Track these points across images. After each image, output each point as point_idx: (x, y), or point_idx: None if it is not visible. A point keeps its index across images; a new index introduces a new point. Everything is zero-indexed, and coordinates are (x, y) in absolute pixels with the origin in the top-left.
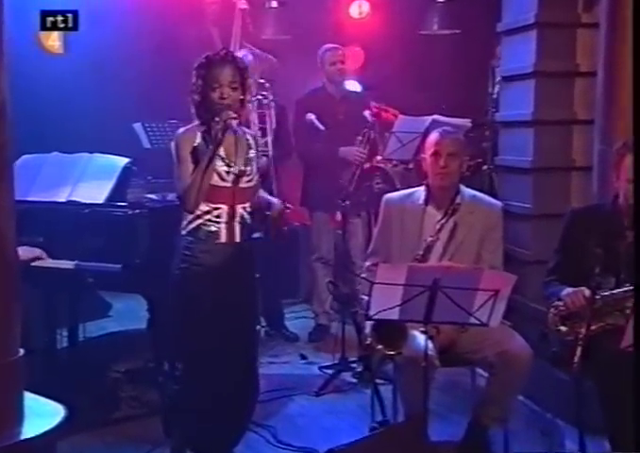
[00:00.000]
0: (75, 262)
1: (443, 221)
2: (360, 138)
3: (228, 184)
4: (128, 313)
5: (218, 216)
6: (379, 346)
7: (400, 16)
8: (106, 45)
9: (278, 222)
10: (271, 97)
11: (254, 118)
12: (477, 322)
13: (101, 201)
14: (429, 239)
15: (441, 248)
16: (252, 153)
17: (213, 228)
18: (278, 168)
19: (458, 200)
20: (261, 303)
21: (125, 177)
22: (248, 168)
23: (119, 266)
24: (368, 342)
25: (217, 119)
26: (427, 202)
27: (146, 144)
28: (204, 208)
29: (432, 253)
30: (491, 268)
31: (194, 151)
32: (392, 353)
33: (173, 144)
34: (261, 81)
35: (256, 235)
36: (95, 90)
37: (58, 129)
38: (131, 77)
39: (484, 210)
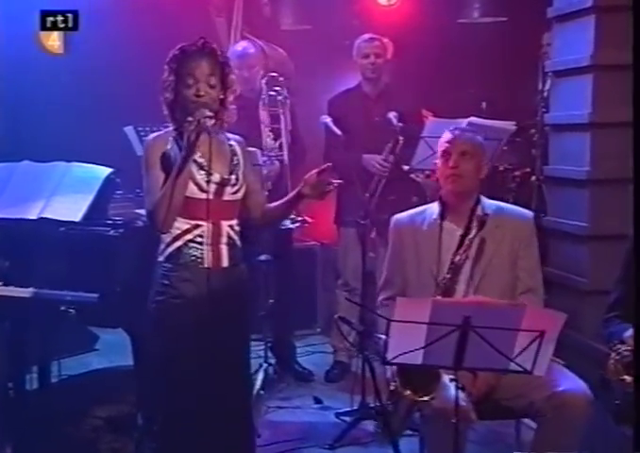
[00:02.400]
0: (34, 290)
1: (470, 236)
2: (389, 145)
3: (209, 196)
4: (118, 347)
5: (200, 236)
6: (407, 392)
7: (435, 2)
8: (106, 45)
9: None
10: (285, 93)
11: (265, 117)
12: (518, 369)
13: (78, 219)
14: (457, 258)
15: (468, 269)
16: (237, 160)
17: (195, 251)
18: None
19: (479, 212)
20: (271, 335)
21: (106, 191)
22: (233, 177)
23: (96, 296)
24: (393, 387)
25: (190, 119)
26: (442, 216)
27: (140, 151)
28: (182, 226)
29: (462, 274)
30: (529, 291)
31: (164, 157)
32: (424, 399)
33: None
34: (274, 75)
35: (263, 257)
36: (94, 91)
37: (49, 134)
38: (132, 77)
39: (513, 223)
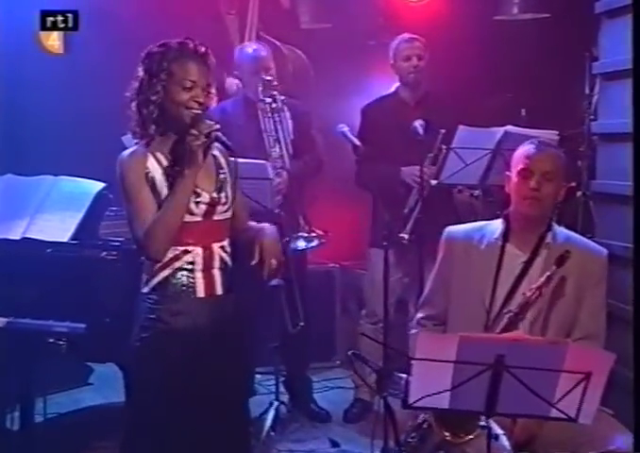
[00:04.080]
0: (8, 320)
1: (549, 272)
2: (430, 155)
3: (199, 218)
4: (114, 381)
5: (191, 262)
6: (447, 434)
7: None
8: (106, 45)
9: (270, 256)
10: (282, 98)
11: (266, 125)
12: (561, 415)
13: (65, 239)
14: (529, 294)
15: (538, 307)
16: (224, 174)
17: (186, 280)
18: (304, 189)
19: (548, 239)
20: (284, 368)
21: (98, 208)
22: (222, 195)
23: (83, 326)
24: (421, 419)
25: (194, 131)
26: (505, 238)
27: None
28: (170, 252)
29: (530, 311)
30: (588, 337)
31: (147, 177)
32: (468, 438)
33: (118, 174)
34: (269, 79)
35: (274, 282)
36: (92, 94)
37: (46, 136)
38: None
39: (583, 257)
